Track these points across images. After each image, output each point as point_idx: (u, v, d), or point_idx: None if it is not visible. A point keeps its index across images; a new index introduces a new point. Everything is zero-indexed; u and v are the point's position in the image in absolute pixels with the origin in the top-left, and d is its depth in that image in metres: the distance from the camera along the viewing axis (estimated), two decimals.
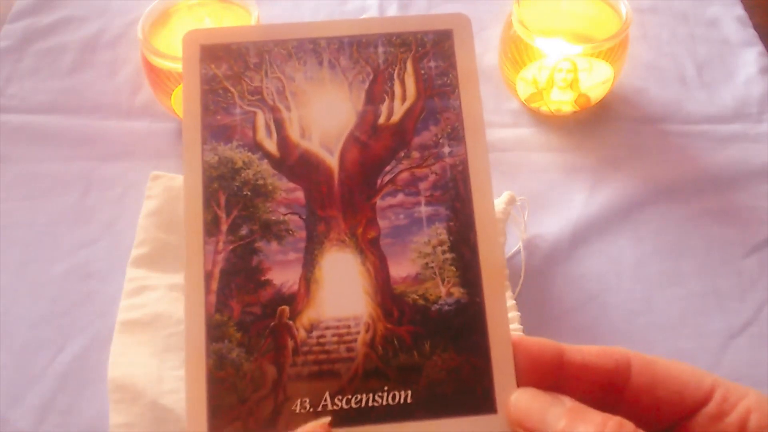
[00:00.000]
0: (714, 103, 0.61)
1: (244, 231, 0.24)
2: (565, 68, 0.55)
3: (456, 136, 0.26)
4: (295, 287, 0.24)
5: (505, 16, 0.58)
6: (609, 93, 0.59)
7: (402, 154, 0.26)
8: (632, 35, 0.57)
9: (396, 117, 0.26)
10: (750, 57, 0.64)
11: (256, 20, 0.54)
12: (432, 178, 0.25)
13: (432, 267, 0.24)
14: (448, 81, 0.26)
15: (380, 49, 0.26)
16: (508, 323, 0.24)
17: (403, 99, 0.26)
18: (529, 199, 0.51)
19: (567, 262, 0.51)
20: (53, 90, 0.62)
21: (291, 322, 0.24)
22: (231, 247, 0.24)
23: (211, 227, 0.24)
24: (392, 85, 0.26)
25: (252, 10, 0.55)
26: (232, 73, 0.26)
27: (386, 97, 0.26)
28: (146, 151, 0.57)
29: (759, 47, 0.65)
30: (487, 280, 0.24)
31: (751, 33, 0.67)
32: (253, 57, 0.26)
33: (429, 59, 0.26)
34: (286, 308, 0.24)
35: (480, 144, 0.26)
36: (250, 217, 0.25)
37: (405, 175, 0.25)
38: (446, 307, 0.24)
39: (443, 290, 0.24)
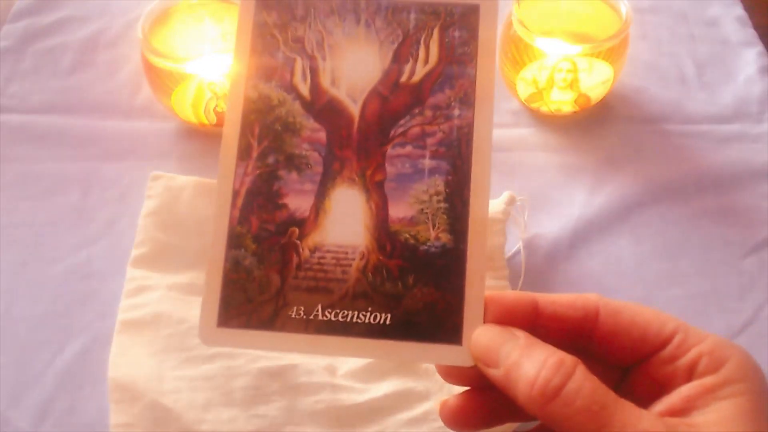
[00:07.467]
0: (714, 103, 0.61)
1: (270, 160, 0.28)
2: (565, 68, 0.55)
3: (467, 101, 0.28)
4: (306, 213, 0.27)
5: (505, 16, 0.58)
6: (609, 93, 0.59)
7: (416, 111, 0.28)
8: (632, 35, 0.57)
9: (416, 77, 0.29)
10: (750, 57, 0.64)
11: None
12: (439, 135, 0.28)
13: (426, 213, 0.27)
14: (468, 51, 0.29)
15: (412, 15, 0.29)
16: (485, 271, 0.27)
17: (426, 62, 0.29)
18: (529, 199, 0.51)
19: (567, 262, 0.51)
20: (53, 90, 0.62)
21: (298, 242, 0.27)
22: (258, 172, 0.28)
23: (244, 153, 0.28)
24: (418, 48, 0.29)
25: None
26: (281, 22, 0.29)
27: (411, 59, 0.29)
28: (146, 151, 0.57)
29: (759, 47, 0.65)
30: (472, 232, 0.27)
31: (751, 33, 0.67)
32: (300, 10, 0.29)
33: (454, 29, 0.29)
34: (296, 230, 0.27)
35: (486, 111, 0.28)
36: (277, 149, 0.28)
37: (416, 129, 0.28)
38: (433, 249, 0.27)
39: (432, 234, 0.27)
